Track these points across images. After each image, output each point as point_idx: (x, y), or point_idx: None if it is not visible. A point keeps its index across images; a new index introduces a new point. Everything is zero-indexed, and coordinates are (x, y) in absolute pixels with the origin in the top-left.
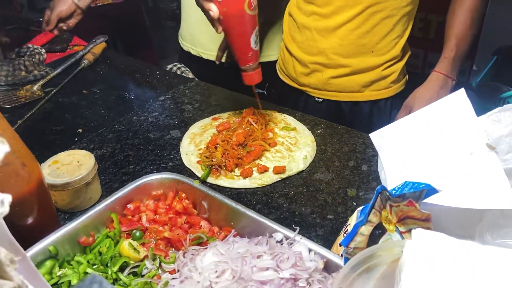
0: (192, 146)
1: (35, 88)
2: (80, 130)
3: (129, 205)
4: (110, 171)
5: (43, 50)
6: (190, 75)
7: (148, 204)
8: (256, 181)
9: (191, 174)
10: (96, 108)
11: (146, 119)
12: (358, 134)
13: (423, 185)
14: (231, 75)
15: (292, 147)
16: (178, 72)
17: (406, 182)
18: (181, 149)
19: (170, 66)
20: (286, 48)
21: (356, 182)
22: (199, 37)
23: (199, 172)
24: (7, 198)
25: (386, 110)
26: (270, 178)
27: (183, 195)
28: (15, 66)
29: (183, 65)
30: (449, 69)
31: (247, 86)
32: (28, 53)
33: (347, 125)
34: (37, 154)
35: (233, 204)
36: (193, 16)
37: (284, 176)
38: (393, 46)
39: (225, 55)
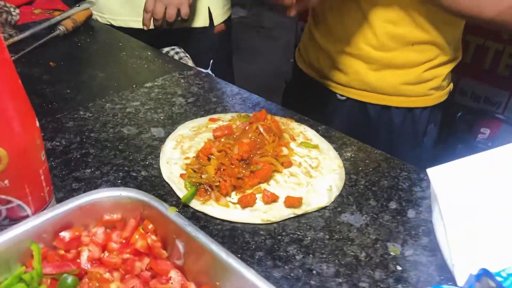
0: (178, 152)
1: None
2: None
3: (63, 233)
4: (56, 173)
5: (17, 10)
6: (190, 63)
7: (96, 234)
8: (259, 214)
9: (169, 192)
10: (61, 86)
11: (123, 108)
12: (400, 164)
13: None
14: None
15: (313, 171)
16: (176, 57)
17: None
18: (161, 154)
19: (167, 49)
20: (310, 32)
21: (401, 234)
22: (107, 1)
23: (181, 191)
24: None
25: (421, 122)
26: (279, 212)
27: (150, 226)
28: None
29: (182, 50)
30: None
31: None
32: None
33: (372, 133)
34: None
35: (223, 254)
36: None
37: (299, 212)
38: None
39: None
